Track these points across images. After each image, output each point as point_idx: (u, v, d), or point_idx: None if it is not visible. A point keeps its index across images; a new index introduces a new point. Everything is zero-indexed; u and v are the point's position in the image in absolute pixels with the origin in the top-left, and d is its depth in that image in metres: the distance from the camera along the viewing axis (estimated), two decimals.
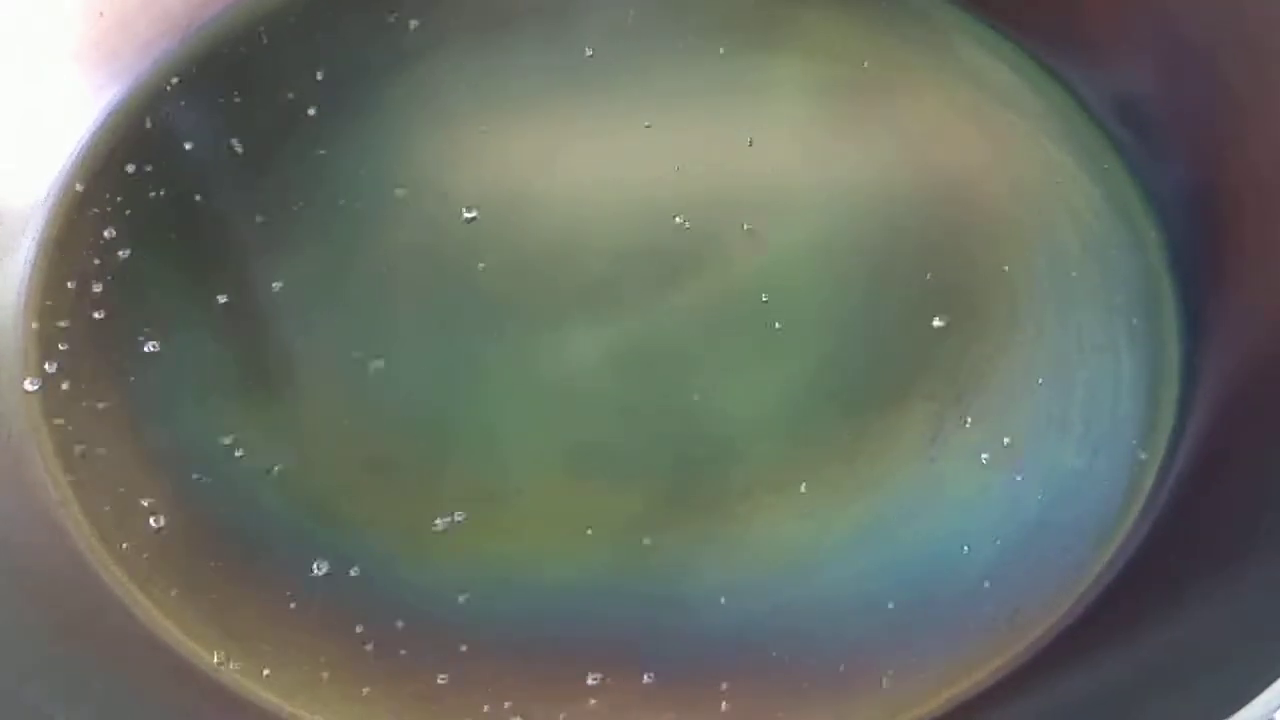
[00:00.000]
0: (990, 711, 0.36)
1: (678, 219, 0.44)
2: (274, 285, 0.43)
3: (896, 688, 0.37)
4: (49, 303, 0.42)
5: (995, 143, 0.47)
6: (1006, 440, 0.41)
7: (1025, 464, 0.40)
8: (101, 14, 0.45)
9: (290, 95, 0.46)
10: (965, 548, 0.39)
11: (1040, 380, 0.42)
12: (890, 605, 0.38)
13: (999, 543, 0.39)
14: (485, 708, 0.37)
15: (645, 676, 0.37)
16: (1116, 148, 0.47)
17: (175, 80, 0.47)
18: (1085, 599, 0.39)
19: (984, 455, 0.40)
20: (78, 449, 0.40)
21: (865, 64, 0.48)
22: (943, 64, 0.49)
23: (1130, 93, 0.47)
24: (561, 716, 0.36)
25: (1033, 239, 0.45)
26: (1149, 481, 0.40)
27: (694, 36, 0.49)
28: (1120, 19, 0.47)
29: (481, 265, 0.43)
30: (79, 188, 0.45)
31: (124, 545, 0.39)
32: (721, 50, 0.48)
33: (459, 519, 0.39)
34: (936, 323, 0.43)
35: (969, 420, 0.41)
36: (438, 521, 0.39)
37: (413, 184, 0.45)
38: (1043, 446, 0.41)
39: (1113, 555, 0.39)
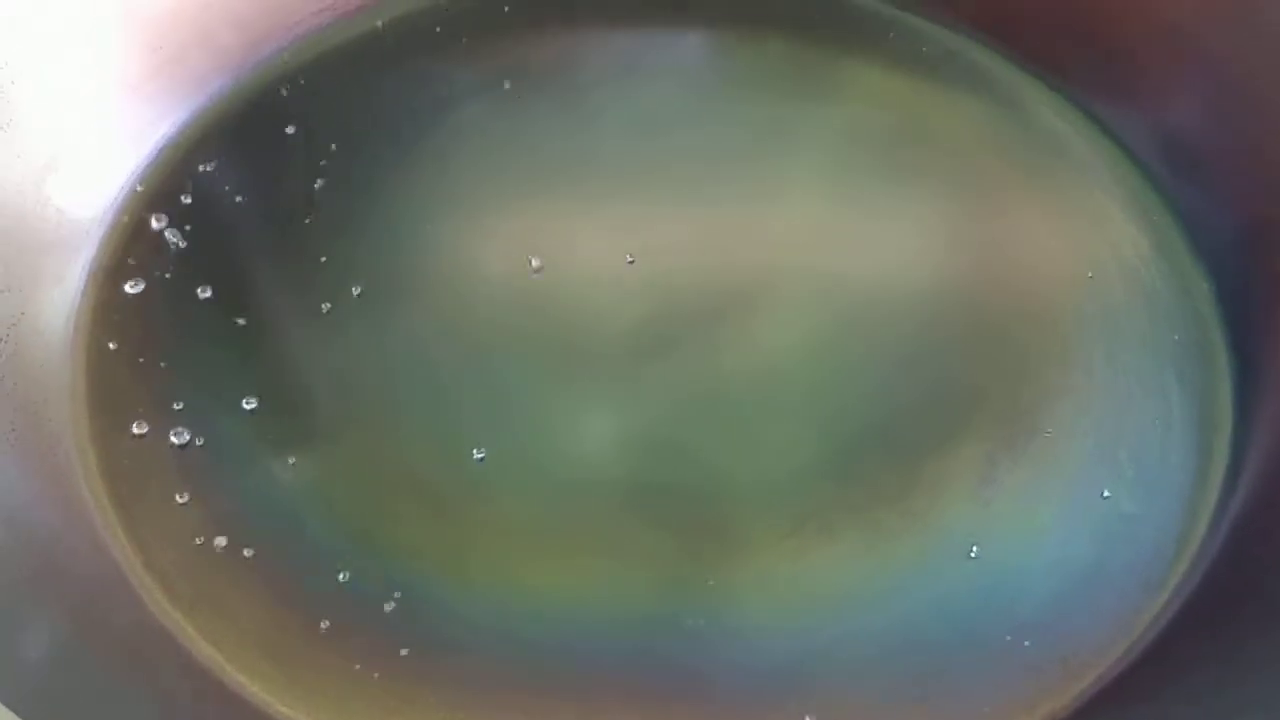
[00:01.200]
0: None
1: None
2: (323, 306, 0.43)
3: None
4: (98, 325, 0.42)
5: (1042, 192, 0.47)
6: (1058, 485, 0.41)
7: (1077, 509, 0.40)
8: (159, 49, 0.46)
9: (340, 139, 0.47)
10: (1016, 591, 0.39)
11: (1091, 424, 0.42)
12: (938, 646, 0.38)
13: (1050, 586, 0.39)
14: None
15: (684, 713, 0.37)
16: (1164, 196, 0.47)
17: (229, 115, 0.47)
18: (1138, 645, 0.38)
19: (1035, 499, 0.40)
20: (123, 464, 0.40)
21: (907, 114, 0.49)
22: (988, 113, 0.49)
23: (1177, 138, 0.47)
24: None
25: (1081, 286, 0.45)
26: (1202, 527, 0.40)
27: (723, 99, 0.49)
28: (1166, 65, 0.47)
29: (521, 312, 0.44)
30: (127, 219, 0.45)
31: (166, 563, 0.39)
32: (756, 107, 0.49)
33: (497, 549, 0.39)
34: (983, 368, 0.43)
35: (1021, 463, 0.41)
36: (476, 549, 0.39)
37: (455, 241, 0.45)
38: (1094, 490, 0.41)
39: (1166, 600, 0.39)
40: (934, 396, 0.42)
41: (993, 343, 0.44)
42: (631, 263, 0.44)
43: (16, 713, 0.30)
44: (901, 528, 0.40)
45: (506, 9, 0.50)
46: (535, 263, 0.44)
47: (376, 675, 0.37)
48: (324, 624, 0.38)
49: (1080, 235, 0.46)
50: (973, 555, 0.39)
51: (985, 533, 0.40)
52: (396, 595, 0.38)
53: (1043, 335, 0.44)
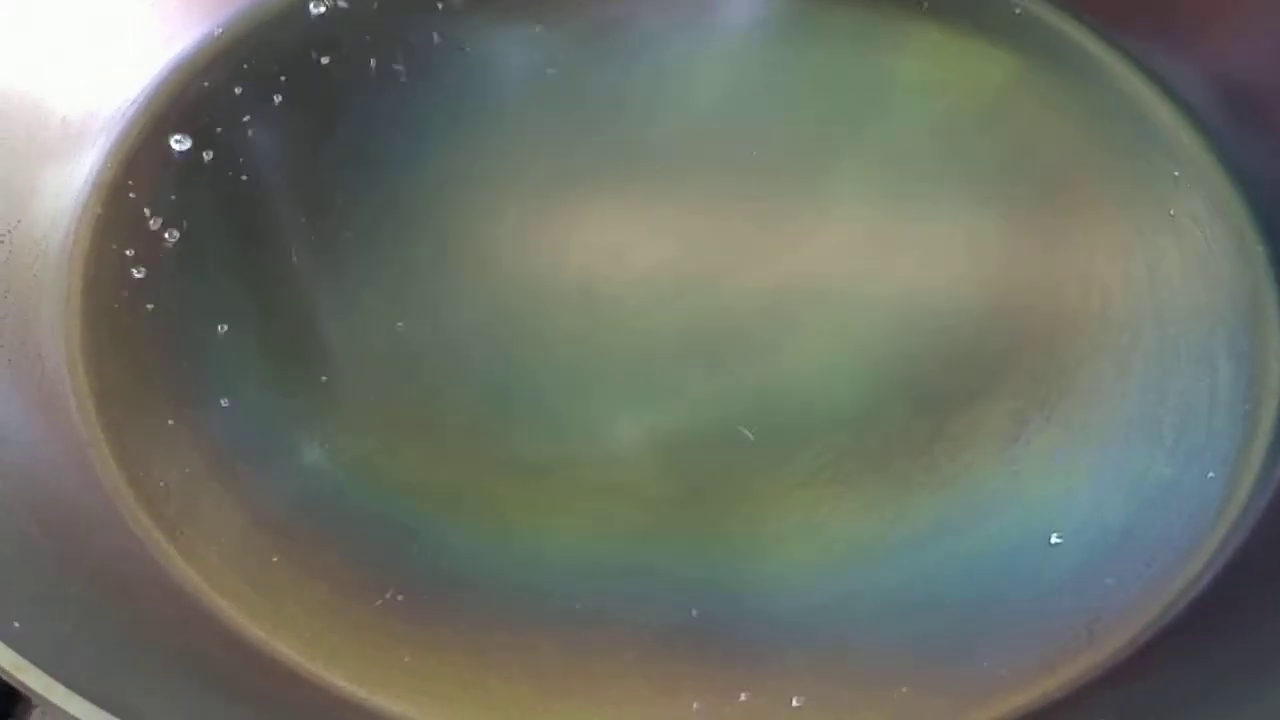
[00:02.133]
0: None
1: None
2: (337, 250, 0.42)
3: (962, 689, 0.35)
4: (96, 237, 0.41)
5: (1098, 147, 0.45)
6: (1093, 445, 0.39)
7: (1112, 471, 0.38)
8: None
9: (363, 77, 0.45)
10: (1043, 552, 0.37)
11: (1132, 387, 0.40)
12: (958, 605, 0.36)
13: (1080, 549, 0.37)
14: (533, 684, 0.35)
15: (707, 659, 0.35)
16: (1222, 154, 0.45)
17: (250, 37, 0.46)
18: (1168, 613, 0.36)
19: (1068, 459, 0.38)
20: (113, 381, 0.39)
21: (957, 68, 0.47)
22: (1044, 69, 0.47)
23: (1237, 92, 0.45)
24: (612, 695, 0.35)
25: (1131, 244, 0.43)
26: (1243, 496, 0.38)
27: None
28: (1228, 16, 0.45)
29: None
30: (134, 134, 0.43)
31: (156, 487, 0.37)
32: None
33: (515, 493, 0.37)
34: (1019, 324, 0.41)
35: (1053, 423, 0.39)
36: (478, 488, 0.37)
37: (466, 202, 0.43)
38: (1131, 455, 0.39)
39: (1199, 570, 0.37)
40: (966, 350, 0.40)
41: (1032, 300, 0.42)
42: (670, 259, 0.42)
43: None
44: (924, 481, 0.38)
45: None
46: (569, 257, 0.42)
47: (358, 614, 0.35)
48: (311, 556, 0.36)
49: (1133, 193, 0.44)
50: (997, 513, 0.37)
51: (1012, 492, 0.38)
52: (392, 534, 0.37)
53: (1086, 294, 0.42)
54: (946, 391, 0.40)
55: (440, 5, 0.47)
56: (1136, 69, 0.47)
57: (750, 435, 0.38)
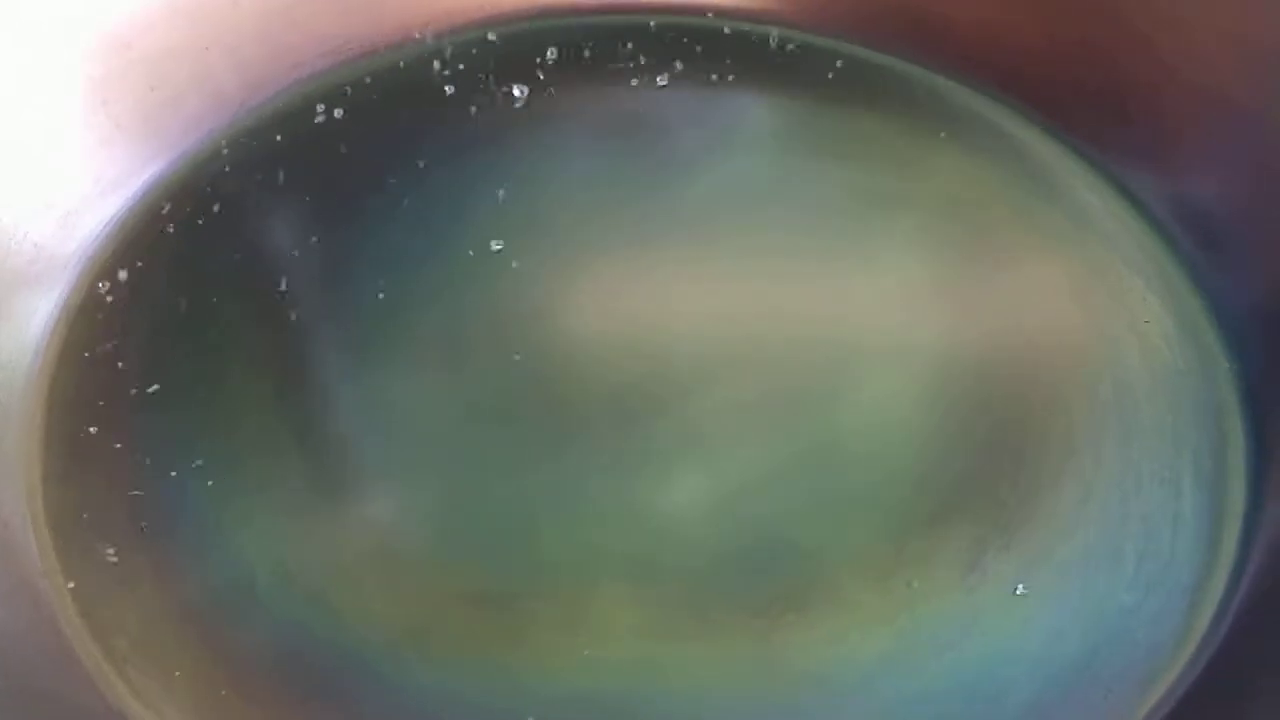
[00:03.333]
0: None
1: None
2: (303, 368, 0.42)
3: None
4: (64, 365, 0.41)
5: (1064, 261, 0.45)
6: (1052, 572, 0.38)
7: (1071, 599, 0.38)
8: (152, 89, 0.45)
9: (341, 181, 0.46)
10: (1000, 684, 0.36)
11: (1094, 512, 0.39)
12: None
13: (1037, 680, 0.37)
14: None
15: None
16: (1190, 272, 0.44)
17: (222, 156, 0.47)
18: None
19: (1026, 587, 0.38)
20: (72, 513, 0.39)
21: (921, 174, 0.47)
22: (1014, 179, 0.47)
23: (1207, 212, 0.45)
24: None
25: (1097, 363, 0.42)
26: (1202, 624, 0.38)
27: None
28: (1200, 136, 0.45)
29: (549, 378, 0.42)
30: (106, 260, 0.44)
31: (108, 621, 0.37)
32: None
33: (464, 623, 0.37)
34: (984, 444, 0.41)
35: (1013, 549, 0.39)
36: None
37: (474, 296, 0.44)
38: (1091, 581, 0.38)
39: (1158, 701, 0.36)
40: (926, 472, 0.40)
41: (995, 419, 0.41)
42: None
43: None
44: (879, 611, 0.38)
45: (584, 53, 0.49)
46: (596, 326, 0.43)
47: None
48: (264, 691, 0.36)
49: (1100, 309, 0.44)
50: (954, 645, 0.37)
51: (970, 621, 0.37)
52: (347, 669, 0.36)
53: (1051, 414, 0.41)
54: (907, 517, 0.39)
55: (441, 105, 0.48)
56: (1109, 186, 0.47)
57: None
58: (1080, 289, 0.44)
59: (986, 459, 0.40)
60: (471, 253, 0.44)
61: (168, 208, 0.45)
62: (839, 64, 0.50)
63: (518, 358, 0.42)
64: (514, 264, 0.44)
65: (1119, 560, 0.39)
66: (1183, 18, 0.46)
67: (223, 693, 0.36)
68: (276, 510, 0.39)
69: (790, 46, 0.50)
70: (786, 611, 0.37)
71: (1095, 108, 0.47)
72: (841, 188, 0.47)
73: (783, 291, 0.44)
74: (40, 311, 0.42)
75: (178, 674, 0.36)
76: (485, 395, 0.42)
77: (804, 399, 0.42)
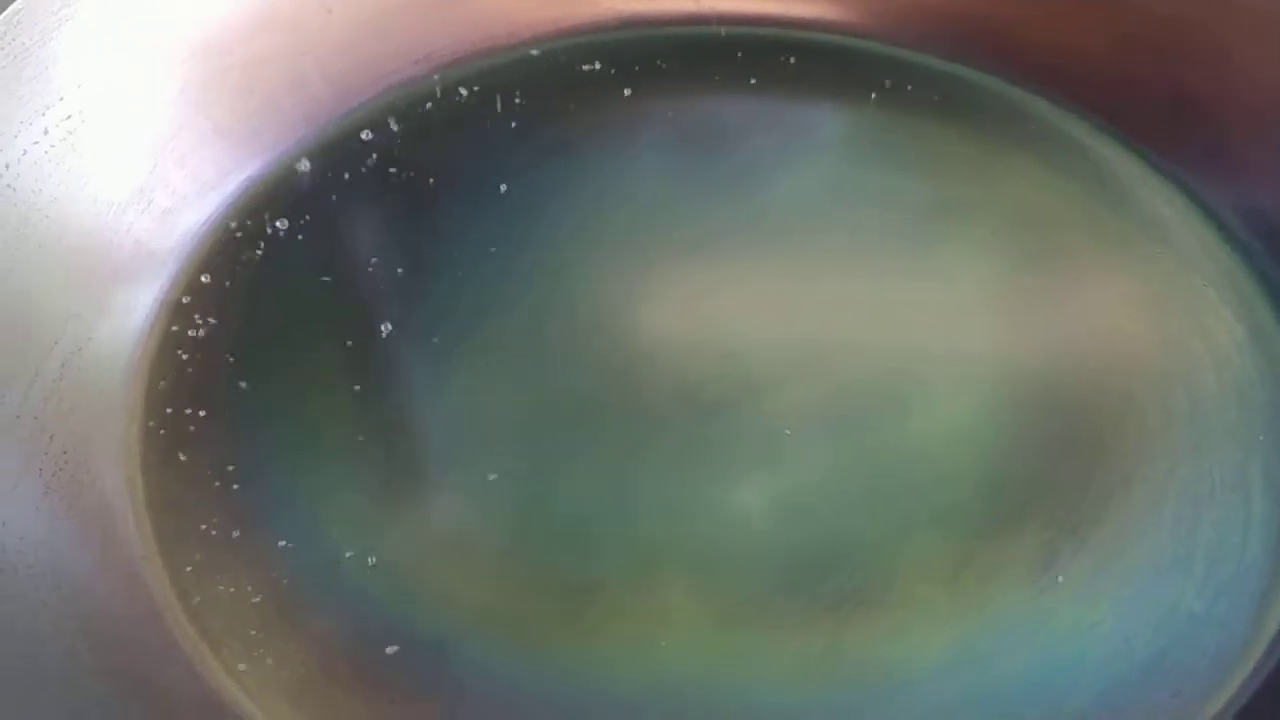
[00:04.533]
0: None
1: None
2: (396, 364, 0.43)
3: None
4: (161, 359, 0.43)
5: (1135, 270, 0.46)
6: (1122, 577, 0.39)
7: (1140, 603, 0.38)
8: (249, 94, 0.47)
9: (424, 186, 0.47)
10: (1067, 684, 0.37)
11: (1165, 518, 0.40)
12: None
13: (1104, 683, 0.37)
14: None
15: None
16: (1264, 282, 0.45)
17: (314, 160, 0.48)
18: None
19: (1097, 590, 0.38)
20: (170, 501, 0.40)
21: (1006, 189, 0.48)
22: (1085, 189, 0.48)
23: (1275, 219, 0.45)
24: None
25: (1171, 373, 0.43)
26: (1270, 630, 0.38)
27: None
28: (1275, 151, 0.45)
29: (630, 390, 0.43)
30: (203, 256, 0.45)
31: (204, 603, 0.38)
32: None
33: (541, 611, 0.38)
34: (1056, 449, 0.41)
35: (1083, 553, 0.39)
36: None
37: (549, 298, 0.45)
38: (1161, 586, 0.39)
39: (1224, 705, 0.37)
40: (996, 476, 0.41)
41: (1069, 426, 0.42)
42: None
43: None
44: (948, 611, 0.38)
45: (661, 64, 0.50)
46: (670, 327, 0.44)
47: None
48: (351, 672, 0.37)
49: (1173, 320, 0.44)
50: (1021, 646, 0.38)
51: (1038, 624, 0.38)
52: (431, 652, 0.37)
53: (1124, 422, 0.42)
54: (977, 518, 0.40)
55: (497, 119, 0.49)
56: (1180, 195, 0.47)
57: None
58: (1151, 298, 0.45)
59: (1058, 464, 0.41)
60: (550, 255, 0.46)
61: (262, 208, 0.46)
62: (911, 73, 0.51)
63: (594, 357, 0.43)
64: (592, 267, 0.45)
65: (1189, 566, 0.39)
66: (1255, 27, 0.46)
67: (311, 676, 0.37)
68: (363, 499, 0.40)
69: (863, 57, 0.51)
70: (855, 609, 0.38)
71: (1167, 117, 0.48)
72: (913, 197, 0.48)
73: (854, 296, 0.45)
74: (140, 305, 0.44)
75: (269, 658, 0.37)
76: (562, 393, 0.43)
77: (874, 402, 0.42)
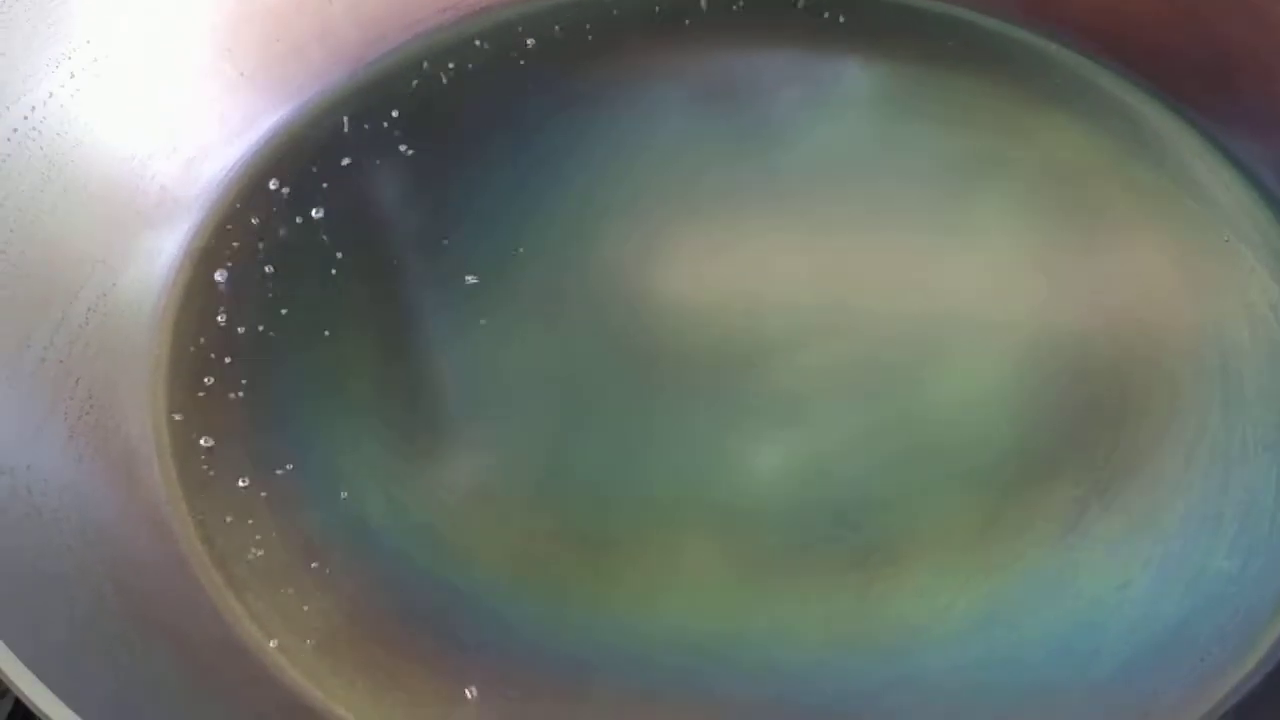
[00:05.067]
0: None
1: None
2: (422, 310, 0.43)
3: None
4: (187, 305, 0.43)
5: (1170, 228, 0.45)
6: (1152, 536, 0.38)
7: (1170, 563, 0.38)
8: (276, 40, 0.47)
9: (453, 136, 0.47)
10: (1095, 644, 0.37)
11: (1196, 477, 0.39)
12: (1005, 693, 0.36)
13: (1133, 642, 0.37)
14: None
15: None
16: None
17: (342, 108, 0.48)
18: (1218, 710, 0.36)
19: (1125, 549, 0.38)
20: (195, 446, 0.40)
21: (1040, 145, 0.47)
22: (1122, 146, 0.47)
23: None
24: None
25: (1204, 331, 0.43)
26: None
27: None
28: None
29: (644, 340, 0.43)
30: (229, 204, 0.45)
31: (228, 549, 0.38)
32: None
33: (563, 563, 0.38)
34: (1086, 408, 0.41)
35: (1113, 511, 0.39)
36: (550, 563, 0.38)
37: (581, 247, 0.45)
38: (1192, 546, 0.38)
39: (1254, 666, 0.36)
40: (1025, 434, 0.40)
41: (1099, 384, 0.42)
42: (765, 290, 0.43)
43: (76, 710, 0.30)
44: (976, 568, 0.38)
45: (688, 21, 0.50)
46: (687, 285, 0.44)
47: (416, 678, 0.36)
48: (374, 620, 0.37)
49: (1207, 279, 0.44)
50: (1049, 603, 0.37)
51: (1067, 581, 0.38)
52: (455, 602, 0.37)
53: (1154, 380, 0.42)
54: (1006, 474, 0.40)
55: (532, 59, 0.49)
56: (1218, 154, 0.47)
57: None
58: (1186, 256, 0.45)
59: (1088, 423, 0.41)
60: (576, 206, 0.45)
61: (288, 156, 0.46)
62: (950, 28, 0.50)
63: (618, 312, 0.43)
64: (619, 219, 0.45)
65: (1219, 525, 0.39)
66: None
67: (334, 621, 0.37)
68: (388, 448, 0.40)
69: (901, 10, 0.50)
70: (881, 567, 0.38)
71: (1205, 76, 0.47)
72: (947, 152, 0.47)
73: (883, 249, 0.45)
74: (165, 252, 0.43)
75: (292, 603, 0.37)
76: (587, 347, 0.43)
77: (903, 358, 0.42)
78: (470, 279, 0.43)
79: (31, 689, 0.28)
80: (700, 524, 0.39)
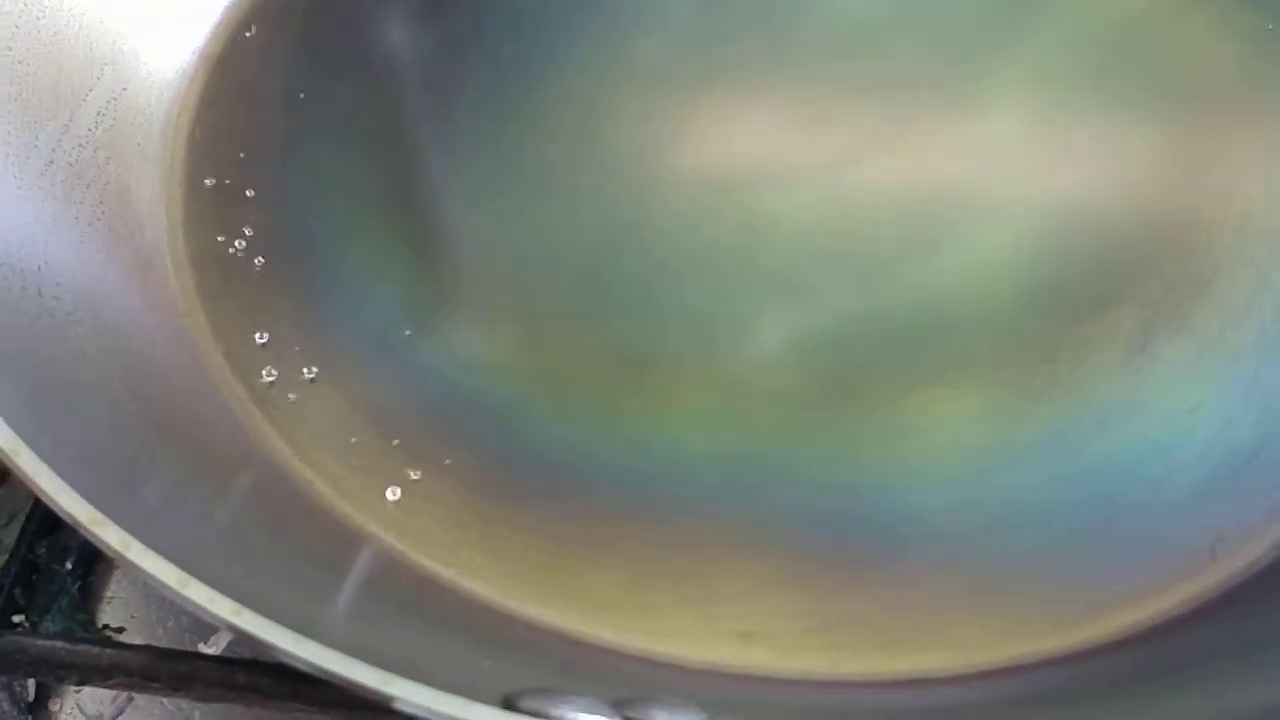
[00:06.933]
0: (1176, 640, 0.32)
1: None
2: (442, 134, 0.41)
3: (1074, 604, 0.33)
4: (201, 110, 0.41)
5: (1254, 65, 0.43)
6: (1224, 359, 0.36)
7: (1241, 387, 0.36)
8: None
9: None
10: (1166, 467, 0.35)
11: (1269, 298, 0.38)
12: (1076, 517, 0.34)
13: (1203, 469, 0.35)
14: (623, 573, 0.34)
15: (807, 557, 0.34)
16: None
17: None
18: None
19: (1196, 373, 0.36)
20: (209, 252, 0.38)
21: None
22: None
23: None
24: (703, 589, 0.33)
25: (1275, 157, 0.40)
26: None
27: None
28: None
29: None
30: (250, 9, 0.43)
31: (249, 359, 0.36)
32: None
33: (623, 382, 0.36)
34: (1156, 228, 0.39)
35: (1183, 333, 0.37)
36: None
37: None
38: (1263, 371, 0.36)
39: None
40: (1099, 256, 0.39)
41: (1172, 207, 0.40)
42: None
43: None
44: (1043, 390, 0.36)
45: None
46: (712, 160, 0.41)
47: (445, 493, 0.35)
48: (401, 434, 0.35)
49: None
50: (1119, 426, 0.35)
51: (1135, 404, 0.36)
52: (488, 416, 0.36)
53: (1226, 199, 0.40)
54: (1076, 297, 0.38)
55: None
56: None
57: None
58: (1263, 89, 0.42)
59: (1157, 244, 0.39)
60: (579, 75, 0.43)
61: None
62: None
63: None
64: (625, 85, 0.43)
65: None
66: None
67: (354, 440, 0.35)
68: (411, 259, 0.39)
69: None
70: (941, 386, 0.36)
71: None
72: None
73: (970, 99, 0.42)
74: (179, 59, 0.41)
75: (314, 413, 0.36)
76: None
77: (978, 189, 0.40)
78: (501, 91, 0.42)
79: (52, 486, 0.26)
80: (747, 342, 0.37)
